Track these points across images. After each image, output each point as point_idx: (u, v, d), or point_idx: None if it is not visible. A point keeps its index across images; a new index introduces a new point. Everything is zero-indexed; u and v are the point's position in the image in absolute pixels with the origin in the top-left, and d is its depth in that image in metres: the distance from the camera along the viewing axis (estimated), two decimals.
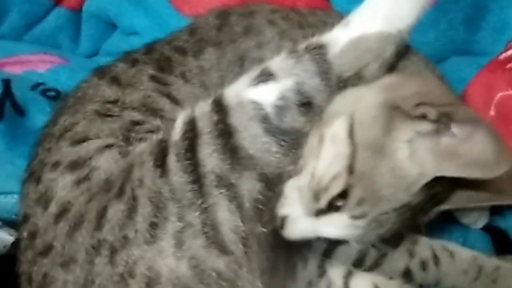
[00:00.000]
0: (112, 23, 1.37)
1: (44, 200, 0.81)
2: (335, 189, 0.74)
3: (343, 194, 0.74)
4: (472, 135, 0.71)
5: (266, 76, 0.78)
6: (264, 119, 0.75)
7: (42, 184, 0.83)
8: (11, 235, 0.97)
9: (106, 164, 0.79)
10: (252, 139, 0.74)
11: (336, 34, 0.81)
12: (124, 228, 0.73)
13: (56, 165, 0.83)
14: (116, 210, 0.74)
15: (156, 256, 0.71)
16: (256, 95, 0.76)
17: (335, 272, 0.88)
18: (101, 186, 0.77)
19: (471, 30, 1.20)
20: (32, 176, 0.87)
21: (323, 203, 0.75)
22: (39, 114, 1.13)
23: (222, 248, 0.72)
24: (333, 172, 0.75)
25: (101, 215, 0.75)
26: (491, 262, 0.95)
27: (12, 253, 0.90)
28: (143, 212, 0.73)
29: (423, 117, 0.73)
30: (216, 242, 0.72)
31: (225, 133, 0.74)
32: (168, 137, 0.77)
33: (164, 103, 0.90)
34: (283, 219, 0.77)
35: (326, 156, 0.76)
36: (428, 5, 0.81)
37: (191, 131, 0.75)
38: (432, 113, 0.73)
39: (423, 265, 0.92)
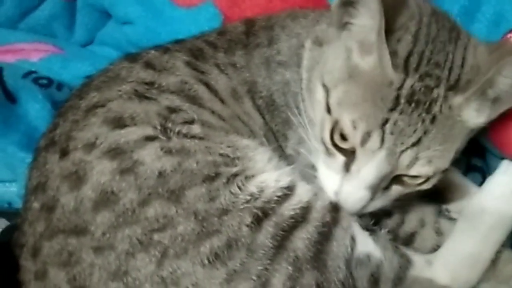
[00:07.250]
0: (106, 12, 1.36)
1: (74, 179, 0.81)
2: (326, 130, 0.85)
3: (343, 138, 0.84)
4: None
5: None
6: (349, 261, 0.82)
7: (71, 162, 0.82)
8: None
9: (149, 159, 0.81)
10: (335, 258, 0.81)
11: (421, 266, 0.89)
12: (188, 243, 0.77)
13: (90, 146, 0.82)
14: (186, 226, 0.77)
15: (206, 279, 0.76)
16: (363, 246, 0.84)
17: None
18: (156, 188, 0.79)
19: (467, 22, 1.19)
20: (53, 146, 0.86)
21: (333, 150, 0.85)
22: (31, 102, 1.13)
23: None
24: (319, 121, 0.87)
25: (166, 223, 0.77)
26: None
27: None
28: (214, 244, 0.77)
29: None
30: None
31: (325, 235, 0.81)
32: (264, 196, 0.82)
33: (202, 92, 0.92)
34: (335, 200, 0.85)
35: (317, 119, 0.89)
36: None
37: (302, 217, 0.81)
38: None
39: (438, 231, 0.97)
